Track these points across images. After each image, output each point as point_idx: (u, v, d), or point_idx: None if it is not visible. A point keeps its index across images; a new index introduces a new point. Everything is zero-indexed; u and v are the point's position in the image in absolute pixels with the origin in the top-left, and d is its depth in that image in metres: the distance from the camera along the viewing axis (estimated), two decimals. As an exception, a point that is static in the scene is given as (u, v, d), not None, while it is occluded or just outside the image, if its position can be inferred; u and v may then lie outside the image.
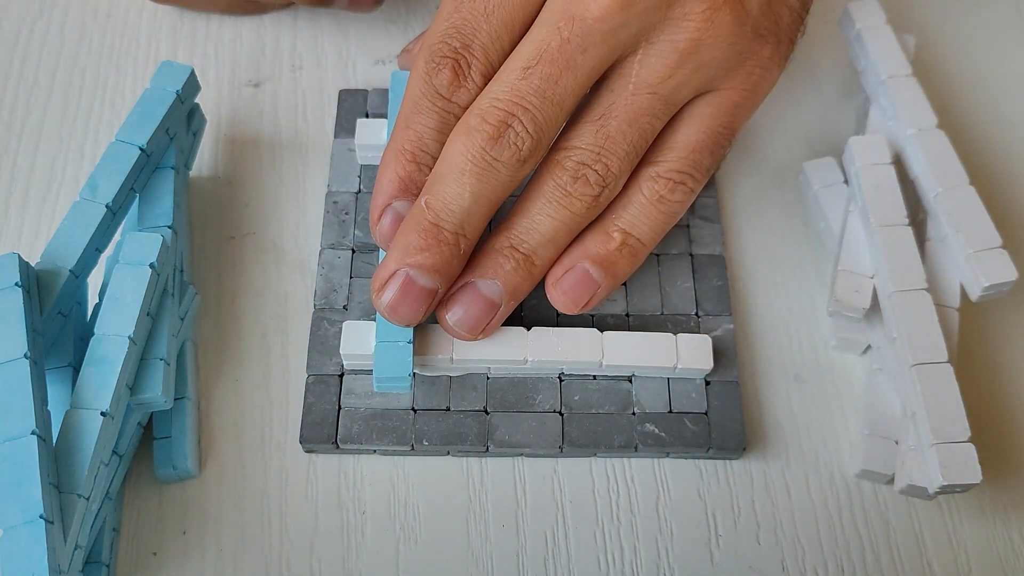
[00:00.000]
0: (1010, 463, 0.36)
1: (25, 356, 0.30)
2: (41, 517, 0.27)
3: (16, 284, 0.31)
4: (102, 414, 0.30)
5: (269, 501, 0.35)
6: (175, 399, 0.35)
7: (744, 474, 0.36)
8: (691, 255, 0.39)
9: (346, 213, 0.39)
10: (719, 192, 0.41)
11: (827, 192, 0.40)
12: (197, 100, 0.39)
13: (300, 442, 0.35)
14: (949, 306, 0.36)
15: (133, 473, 0.35)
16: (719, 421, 0.35)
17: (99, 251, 0.34)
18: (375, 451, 0.35)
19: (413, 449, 0.35)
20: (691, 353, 0.35)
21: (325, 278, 0.38)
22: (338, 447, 0.35)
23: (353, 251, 0.38)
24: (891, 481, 0.35)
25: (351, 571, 0.33)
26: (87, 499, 0.29)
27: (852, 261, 0.37)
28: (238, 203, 0.41)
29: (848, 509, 0.35)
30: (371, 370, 0.35)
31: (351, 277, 0.38)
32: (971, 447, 0.32)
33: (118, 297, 0.32)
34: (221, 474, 0.35)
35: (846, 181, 0.39)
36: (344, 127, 0.41)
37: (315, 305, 0.37)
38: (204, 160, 0.42)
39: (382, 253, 0.35)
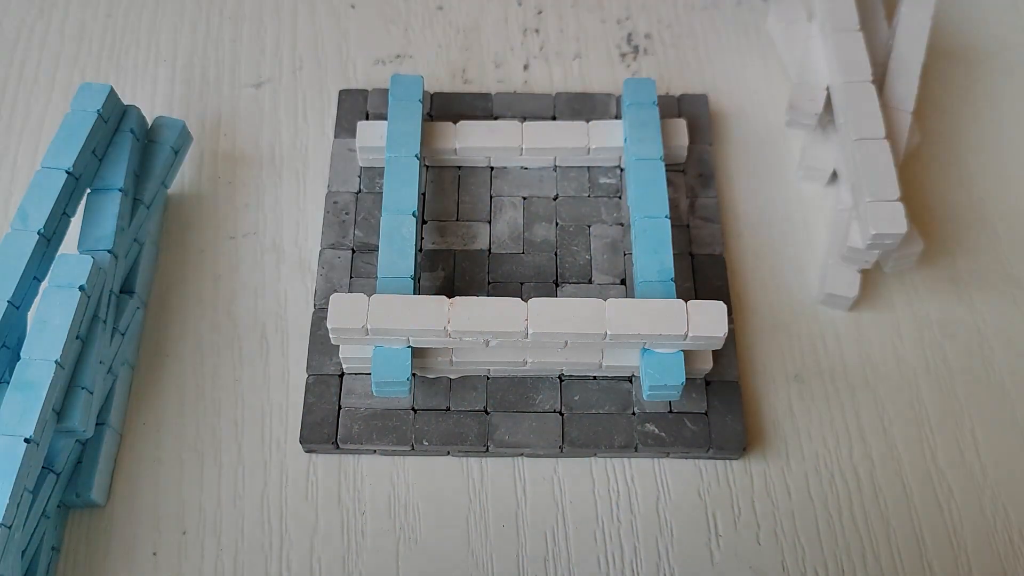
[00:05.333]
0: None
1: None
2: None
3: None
4: (26, 440, 0.29)
5: (269, 501, 0.35)
6: (96, 424, 0.34)
7: (744, 474, 0.36)
8: (691, 255, 0.39)
9: (346, 213, 0.39)
10: (719, 192, 0.41)
11: (791, 30, 0.44)
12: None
13: (300, 442, 0.35)
14: (904, 110, 0.40)
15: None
16: (719, 421, 0.35)
17: (38, 280, 0.33)
18: (375, 451, 0.35)
19: (413, 449, 0.35)
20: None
21: (325, 278, 0.38)
22: (338, 447, 0.35)
23: (353, 251, 0.38)
24: (852, 307, 0.39)
25: (351, 571, 0.33)
26: (9, 528, 0.28)
27: (808, 74, 0.41)
28: (238, 203, 0.41)
29: (848, 509, 0.35)
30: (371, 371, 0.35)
31: (351, 277, 0.38)
32: (900, 204, 0.36)
33: (46, 320, 0.31)
34: (220, 474, 0.35)
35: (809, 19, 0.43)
36: (344, 128, 0.41)
37: (315, 305, 0.37)
38: (204, 160, 0.42)
39: (382, 253, 0.35)
